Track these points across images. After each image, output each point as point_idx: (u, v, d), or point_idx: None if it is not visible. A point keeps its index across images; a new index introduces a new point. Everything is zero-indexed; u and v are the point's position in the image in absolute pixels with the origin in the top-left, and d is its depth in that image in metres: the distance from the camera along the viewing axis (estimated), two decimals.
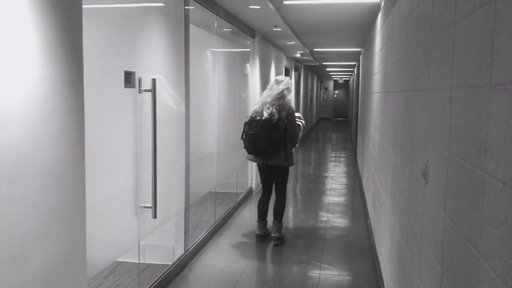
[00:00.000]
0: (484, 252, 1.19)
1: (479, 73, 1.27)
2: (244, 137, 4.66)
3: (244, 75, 6.94)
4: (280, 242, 4.79)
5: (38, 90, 1.85)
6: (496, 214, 1.10)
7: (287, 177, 4.86)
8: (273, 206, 4.90)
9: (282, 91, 4.61)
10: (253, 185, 7.24)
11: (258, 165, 4.88)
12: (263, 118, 4.47)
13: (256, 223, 4.93)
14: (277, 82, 4.71)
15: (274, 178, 4.83)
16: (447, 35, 1.66)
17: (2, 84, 1.67)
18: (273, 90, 4.64)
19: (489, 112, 1.18)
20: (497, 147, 1.11)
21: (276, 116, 4.47)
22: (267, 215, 4.93)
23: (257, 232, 4.89)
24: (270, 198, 4.95)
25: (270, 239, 4.86)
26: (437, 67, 1.83)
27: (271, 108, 4.50)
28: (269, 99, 4.57)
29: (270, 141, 4.48)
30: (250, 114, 4.65)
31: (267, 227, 4.97)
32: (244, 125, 4.68)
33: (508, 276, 1.02)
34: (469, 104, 1.36)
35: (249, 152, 4.71)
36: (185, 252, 4.12)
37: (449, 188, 1.57)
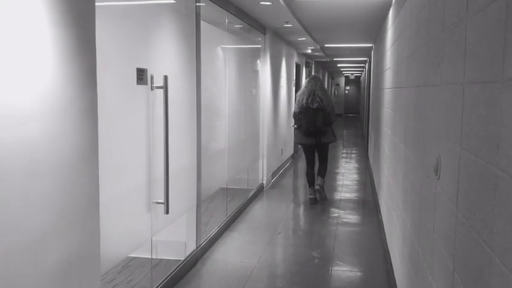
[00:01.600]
0: (496, 248, 1.19)
1: (491, 68, 1.27)
2: (301, 122, 5.99)
3: (255, 72, 6.95)
4: (323, 189, 6.39)
5: (53, 87, 1.88)
6: (508, 209, 1.10)
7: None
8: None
9: (322, 83, 6.10)
10: (264, 181, 7.25)
11: (304, 146, 6.28)
12: (315, 106, 5.86)
13: (309, 189, 6.39)
14: (314, 78, 6.21)
15: (322, 151, 6.28)
16: (459, 31, 1.65)
17: (18, 83, 1.70)
18: (313, 84, 6.01)
19: (501, 107, 1.17)
20: (509, 143, 1.11)
21: (325, 104, 5.90)
22: (314, 180, 6.36)
23: (311, 196, 6.34)
24: (314, 167, 6.38)
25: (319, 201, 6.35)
26: (449, 63, 1.82)
27: (318, 100, 5.90)
28: (314, 91, 5.95)
29: (324, 121, 5.91)
30: (299, 105, 5.96)
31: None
32: (296, 115, 6.03)
33: None
34: (481, 100, 1.36)
35: (308, 134, 5.98)
36: (197, 248, 4.15)
37: (461, 184, 1.57)
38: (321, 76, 19.57)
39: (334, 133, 6.18)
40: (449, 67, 1.81)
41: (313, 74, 6.66)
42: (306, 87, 6.11)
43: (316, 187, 6.36)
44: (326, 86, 22.75)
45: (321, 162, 6.40)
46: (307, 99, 5.94)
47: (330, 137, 6.10)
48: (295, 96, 6.24)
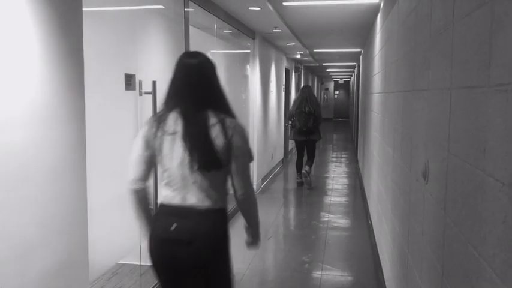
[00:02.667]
0: (483, 252, 1.19)
1: (478, 74, 1.28)
2: (294, 123, 7.45)
3: (245, 77, 6.95)
4: (308, 175, 7.53)
5: (40, 93, 1.86)
6: (495, 214, 1.11)
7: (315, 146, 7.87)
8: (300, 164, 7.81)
9: (313, 92, 7.66)
10: (254, 186, 7.25)
11: (296, 142, 7.74)
12: (307, 110, 7.29)
13: (297, 175, 7.77)
14: (306, 87, 7.81)
15: (311, 147, 7.60)
16: (446, 36, 1.67)
17: (5, 88, 1.68)
18: (305, 93, 7.52)
19: (488, 113, 1.18)
20: (496, 148, 1.12)
21: (314, 108, 7.32)
22: (302, 168, 7.63)
23: (298, 180, 7.72)
24: (302, 158, 7.72)
25: (305, 184, 7.60)
26: (436, 68, 1.84)
27: (309, 105, 7.32)
28: (307, 98, 7.41)
29: (314, 123, 7.36)
30: (295, 109, 7.41)
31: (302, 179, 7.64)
32: (291, 116, 7.52)
33: (508, 275, 1.03)
34: (468, 105, 1.37)
35: (300, 132, 7.39)
36: None
37: (449, 188, 1.57)
38: (311, 85, 20.55)
39: (320, 133, 7.65)
40: (437, 72, 1.82)
41: (304, 84, 8.38)
42: (300, 94, 7.61)
43: (303, 171, 7.59)
44: (315, 91, 23.15)
45: (308, 156, 7.71)
46: (300, 104, 7.38)
47: (317, 135, 7.57)
48: (293, 101, 8.00)
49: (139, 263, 3.46)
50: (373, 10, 5.32)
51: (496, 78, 1.13)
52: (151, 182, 2.20)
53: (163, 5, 3.72)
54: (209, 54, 5.04)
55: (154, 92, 3.12)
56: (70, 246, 2.09)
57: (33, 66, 1.83)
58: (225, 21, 5.45)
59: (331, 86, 29.43)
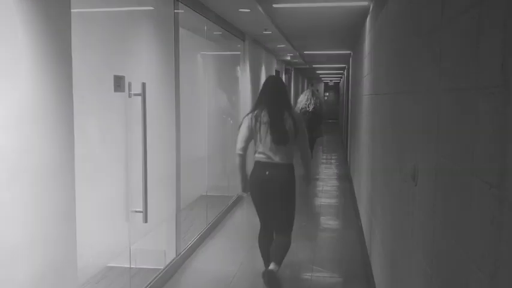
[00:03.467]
0: (472, 253, 1.20)
1: (466, 76, 1.29)
2: None
3: (235, 79, 6.94)
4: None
5: (27, 95, 1.84)
6: (484, 215, 1.12)
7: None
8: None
9: (316, 93, 8.73)
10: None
11: None
12: (311, 109, 8.48)
13: None
14: (310, 90, 8.85)
15: (311, 142, 7.88)
16: (434, 39, 1.68)
17: None
18: (310, 94, 8.65)
19: (475, 115, 1.19)
20: (484, 150, 1.13)
21: (318, 107, 8.53)
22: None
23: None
24: None
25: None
26: (425, 70, 1.85)
27: (313, 103, 8.53)
28: (311, 98, 8.58)
29: (317, 121, 8.56)
30: (300, 108, 8.56)
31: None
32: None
33: (496, 276, 1.03)
34: (456, 107, 1.38)
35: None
36: (177, 256, 4.11)
37: (438, 190, 1.58)
38: (301, 86, 20.78)
39: (321, 130, 8.89)
40: (425, 74, 1.83)
41: (310, 86, 9.22)
42: (304, 95, 8.64)
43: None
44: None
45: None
46: (305, 103, 8.46)
47: (319, 132, 8.77)
48: (298, 102, 9.12)
49: (128, 266, 3.43)
50: (363, 12, 5.34)
51: (483, 81, 1.14)
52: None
53: (152, 7, 3.70)
54: (199, 56, 5.05)
55: (143, 94, 3.10)
56: (58, 250, 2.07)
57: (20, 68, 1.81)
58: (215, 23, 5.44)
59: (321, 87, 29.51)
